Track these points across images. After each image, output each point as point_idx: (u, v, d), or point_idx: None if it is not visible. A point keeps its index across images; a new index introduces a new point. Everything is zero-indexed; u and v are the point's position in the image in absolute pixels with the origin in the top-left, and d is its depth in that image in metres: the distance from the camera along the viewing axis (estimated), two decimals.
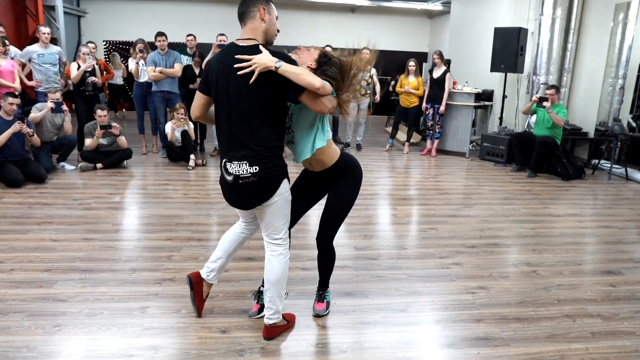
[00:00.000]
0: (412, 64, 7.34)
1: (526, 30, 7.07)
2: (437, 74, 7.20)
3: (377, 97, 7.69)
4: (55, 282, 3.04)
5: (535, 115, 6.52)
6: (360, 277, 3.25)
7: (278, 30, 2.32)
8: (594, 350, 2.48)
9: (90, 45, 6.62)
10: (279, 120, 2.23)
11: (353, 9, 13.43)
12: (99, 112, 5.81)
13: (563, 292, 3.12)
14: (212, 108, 2.35)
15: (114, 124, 5.89)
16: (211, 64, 2.27)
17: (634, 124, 6.82)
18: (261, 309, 2.64)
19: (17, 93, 5.75)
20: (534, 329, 2.66)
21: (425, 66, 12.50)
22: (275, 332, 2.48)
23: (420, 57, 12.52)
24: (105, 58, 12.43)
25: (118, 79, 9.94)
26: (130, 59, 6.93)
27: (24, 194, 4.86)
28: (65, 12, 11.82)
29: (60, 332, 2.49)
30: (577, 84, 7.41)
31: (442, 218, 4.57)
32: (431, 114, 7.40)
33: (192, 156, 6.24)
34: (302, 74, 2.09)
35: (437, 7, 11.90)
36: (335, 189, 2.50)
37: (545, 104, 6.13)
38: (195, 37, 7.20)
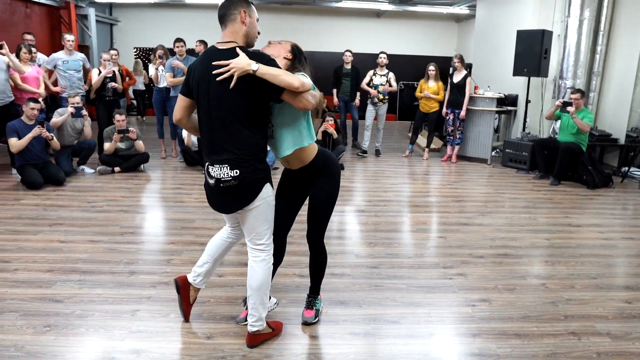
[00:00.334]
0: (431, 68, 7.19)
1: (550, 32, 6.81)
2: (457, 78, 7.03)
3: (391, 87, 7.45)
4: (54, 282, 3.09)
5: (559, 121, 6.25)
6: (357, 285, 3.16)
7: (259, 33, 2.30)
8: None
9: (112, 52, 6.80)
10: (260, 124, 2.20)
11: (379, 14, 13.35)
12: (117, 117, 5.95)
13: (572, 308, 2.94)
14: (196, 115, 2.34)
15: (131, 128, 6.02)
16: (194, 67, 2.26)
17: None
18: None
19: (41, 98, 5.98)
20: (534, 346, 2.51)
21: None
22: (259, 339, 2.43)
23: (447, 62, 12.29)
24: (144, 64, 12.79)
25: (140, 85, 10.18)
26: (150, 65, 7.06)
27: (42, 196, 5.01)
28: (97, 21, 12.28)
29: (50, 332, 2.52)
30: (607, 88, 7.07)
31: (454, 226, 4.42)
32: (451, 119, 7.22)
33: None
34: (281, 74, 2.06)
35: (464, 10, 11.67)
36: (314, 188, 2.45)
37: (569, 108, 5.87)
38: (206, 43, 7.22)
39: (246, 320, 2.61)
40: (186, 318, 2.64)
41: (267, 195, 2.27)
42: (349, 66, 8.19)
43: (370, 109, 7.46)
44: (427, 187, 5.91)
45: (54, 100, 7.19)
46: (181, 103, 2.33)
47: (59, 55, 6.53)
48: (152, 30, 12.97)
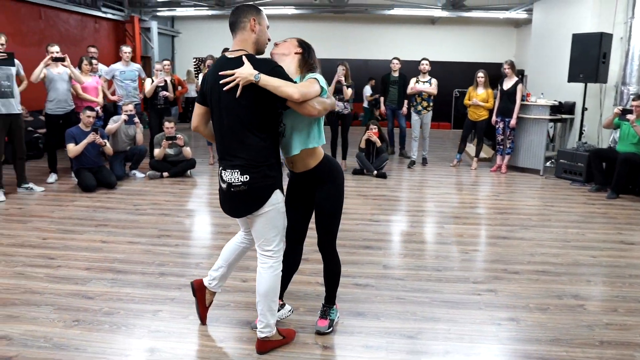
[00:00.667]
0: (480, 75, 6.95)
1: (610, 35, 6.37)
2: (507, 85, 6.73)
3: (430, 88, 7.24)
4: (90, 280, 3.27)
5: (619, 130, 5.82)
6: (379, 297, 3.09)
7: (269, 39, 2.35)
8: None
9: (164, 62, 7.14)
10: (268, 130, 2.24)
11: (433, 21, 13.12)
12: (166, 124, 6.23)
13: (610, 333, 2.70)
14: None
15: (178, 135, 6.28)
16: (207, 76, 2.33)
17: None
18: None
19: (99, 107, 6.40)
20: None
21: None
22: (267, 346, 2.43)
23: (519, 69, 11.83)
24: (195, 73, 13.38)
25: (192, 93, 10.59)
26: (200, 74, 7.35)
27: (94, 198, 5.34)
28: (160, 33, 12.99)
29: (77, 327, 2.67)
30: None
31: (492, 239, 4.23)
32: (501, 128, 6.92)
33: None
34: (281, 86, 2.09)
35: (522, 15, 11.18)
36: (317, 195, 2.45)
37: (629, 116, 5.44)
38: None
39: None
40: (202, 321, 2.70)
41: (277, 202, 2.29)
42: (396, 74, 8.10)
43: (415, 118, 7.32)
44: (471, 198, 5.69)
45: (114, 109, 7.66)
46: (197, 111, 2.41)
47: (117, 66, 6.95)
48: (210, 41, 13.50)
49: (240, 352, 2.46)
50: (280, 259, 2.39)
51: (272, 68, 2.15)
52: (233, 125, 2.20)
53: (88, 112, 5.65)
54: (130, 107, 6.23)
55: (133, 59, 11.22)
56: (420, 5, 11.45)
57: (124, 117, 6.13)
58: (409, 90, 7.38)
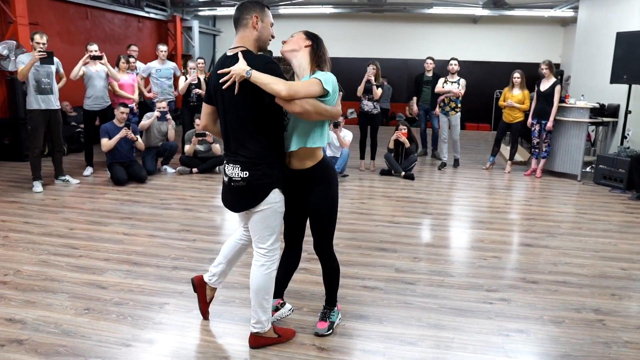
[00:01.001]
0: (516, 75, 6.68)
1: None
2: (545, 86, 6.44)
3: (458, 89, 7.01)
4: (106, 270, 3.39)
5: None
6: (385, 301, 3.04)
7: (272, 36, 2.35)
8: None
9: (198, 60, 7.30)
10: (267, 128, 2.24)
11: (475, 20, 12.75)
12: (197, 121, 6.36)
13: (629, 352, 2.53)
14: None
15: (208, 132, 6.40)
16: (212, 74, 2.36)
17: None
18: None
19: (134, 104, 6.63)
20: None
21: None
22: (260, 342, 2.45)
23: (558, 70, 11.33)
24: None
25: None
26: None
27: (124, 192, 5.54)
28: (201, 32, 13.30)
29: (86, 315, 2.77)
30: None
31: (514, 246, 4.06)
32: (537, 130, 6.64)
33: None
34: (270, 83, 2.09)
35: (569, 13, 10.67)
36: (312, 196, 2.41)
37: None
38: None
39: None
40: (204, 316, 2.73)
41: (275, 201, 2.29)
42: (430, 74, 7.94)
43: (443, 119, 7.13)
44: (499, 203, 5.48)
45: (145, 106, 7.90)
46: (205, 110, 2.44)
47: (153, 64, 7.18)
48: None
49: (237, 348, 2.48)
50: (275, 259, 2.39)
51: (266, 64, 2.15)
52: (234, 123, 2.23)
53: (122, 109, 5.86)
54: (164, 104, 6.41)
55: (173, 58, 11.60)
56: (460, 3, 11.15)
57: (156, 113, 6.33)
58: (436, 90, 7.21)
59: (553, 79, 6.41)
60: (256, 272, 2.35)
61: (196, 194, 5.57)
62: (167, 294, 3.06)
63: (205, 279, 2.67)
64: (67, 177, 5.79)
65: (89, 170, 6.32)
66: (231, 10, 12.91)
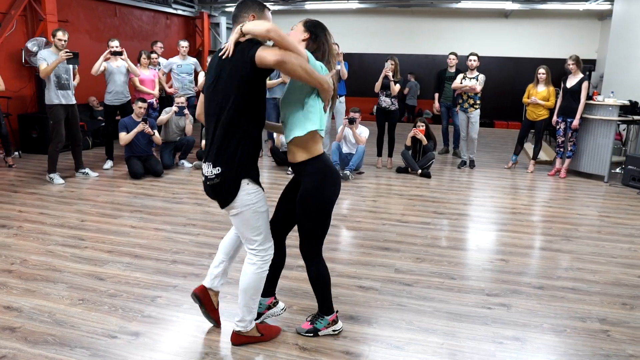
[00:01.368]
0: (541, 71, 6.40)
1: None
2: (571, 82, 6.15)
3: (474, 85, 6.74)
4: (107, 262, 3.46)
5: None
6: (378, 302, 2.96)
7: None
8: None
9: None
10: (243, 125, 2.20)
11: (506, 14, 12.34)
12: None
13: None
14: None
15: None
16: (209, 66, 2.36)
17: None
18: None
19: (154, 99, 6.75)
20: None
21: (593, 75, 10.80)
22: (241, 340, 2.42)
23: (586, 65, 10.83)
24: None
25: None
26: None
27: (139, 185, 5.64)
28: (228, 28, 13.42)
29: (80, 305, 2.83)
30: None
31: (524, 249, 3.89)
32: (562, 129, 6.35)
33: None
34: (258, 24, 2.06)
35: (606, 6, 10.16)
36: (300, 192, 2.32)
37: None
38: None
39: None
40: (218, 324, 2.63)
41: (251, 202, 2.25)
42: (453, 69, 7.74)
43: (461, 116, 6.90)
44: (517, 203, 5.27)
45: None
46: (201, 99, 2.44)
47: (175, 60, 7.29)
48: None
49: (220, 345, 2.48)
50: (267, 259, 2.36)
51: (256, 43, 2.11)
52: (212, 115, 2.22)
53: (140, 103, 5.97)
54: (182, 99, 6.49)
55: (200, 54, 11.75)
56: None
57: (174, 108, 6.41)
58: (452, 86, 7.00)
59: (580, 75, 6.11)
60: (247, 270, 2.34)
61: None
62: (160, 287, 3.09)
63: (207, 284, 2.57)
64: (87, 170, 5.95)
65: (109, 164, 6.48)
66: None
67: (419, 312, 2.85)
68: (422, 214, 4.78)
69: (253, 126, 2.24)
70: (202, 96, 2.43)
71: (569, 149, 6.37)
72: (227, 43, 2.15)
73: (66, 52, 5.23)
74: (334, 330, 2.56)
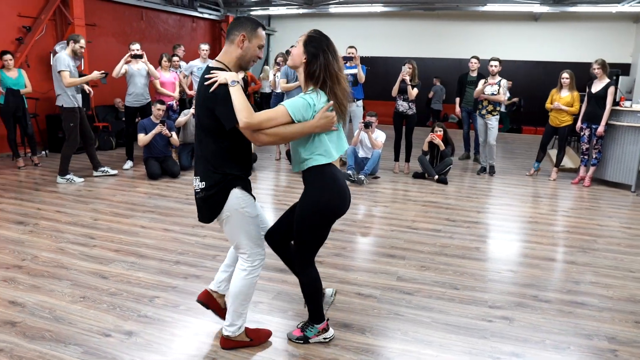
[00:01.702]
0: (565, 75, 6.18)
1: None
2: (597, 87, 5.92)
3: (498, 96, 6.53)
4: (112, 261, 3.52)
5: None
6: (375, 310, 2.91)
7: (259, 57, 2.30)
8: None
9: None
10: (225, 136, 2.18)
11: (536, 17, 12.01)
12: None
13: None
14: None
15: None
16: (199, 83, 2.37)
17: None
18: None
19: (174, 101, 6.87)
20: None
21: (622, 80, 10.36)
22: (230, 345, 2.43)
23: (620, 70, 10.42)
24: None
25: (267, 88, 10.81)
26: (270, 71, 7.54)
27: (155, 186, 5.74)
28: None
29: (80, 303, 2.88)
30: None
31: (535, 260, 3.75)
32: (587, 135, 6.12)
33: None
34: (237, 106, 2.07)
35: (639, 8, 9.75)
36: (300, 199, 2.33)
37: None
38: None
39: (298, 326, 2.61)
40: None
41: (239, 206, 2.26)
42: (474, 74, 7.58)
43: (480, 122, 6.72)
44: (534, 212, 5.10)
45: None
46: None
47: (195, 62, 7.38)
48: None
49: (210, 348, 2.47)
50: (256, 265, 2.36)
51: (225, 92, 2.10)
52: (198, 129, 2.25)
53: (158, 105, 6.08)
54: None
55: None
56: (516, 0, 10.55)
57: (192, 111, 6.50)
58: (475, 94, 6.81)
59: (606, 80, 5.88)
60: (237, 276, 2.34)
61: None
62: (160, 288, 3.12)
63: (213, 287, 2.62)
64: (106, 168, 6.09)
65: (129, 164, 6.62)
66: (284, 10, 13.08)
67: (416, 322, 2.78)
68: (433, 221, 4.69)
69: (227, 142, 2.20)
70: None
71: (594, 157, 6.13)
72: (221, 73, 2.13)
73: (102, 73, 5.46)
74: (324, 338, 2.53)
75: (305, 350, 2.47)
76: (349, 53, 6.64)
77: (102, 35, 8.70)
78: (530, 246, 4.09)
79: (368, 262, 3.65)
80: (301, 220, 2.29)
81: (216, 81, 2.11)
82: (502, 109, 10.29)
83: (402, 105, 6.57)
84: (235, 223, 2.27)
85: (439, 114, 12.42)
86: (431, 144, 6.45)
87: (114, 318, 2.73)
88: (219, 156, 2.20)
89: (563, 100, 6.20)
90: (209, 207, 2.26)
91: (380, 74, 12.04)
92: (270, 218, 4.69)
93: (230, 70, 2.22)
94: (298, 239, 2.34)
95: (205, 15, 11.60)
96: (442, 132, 6.38)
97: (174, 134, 6.21)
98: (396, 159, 6.91)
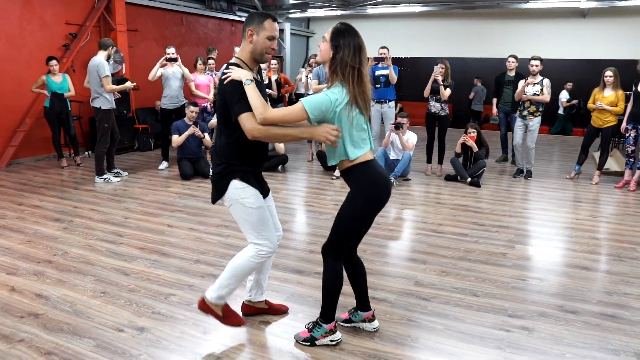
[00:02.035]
0: (609, 74, 5.85)
1: None
2: None
3: (542, 97, 6.21)
4: (136, 259, 3.63)
5: None
6: (388, 315, 2.84)
7: (273, 49, 2.37)
8: None
9: (272, 62, 7.50)
10: (236, 129, 2.30)
11: (584, 14, 11.45)
12: None
13: None
14: None
15: None
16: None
17: None
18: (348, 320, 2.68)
19: (209, 103, 7.03)
20: None
21: None
22: (205, 308, 2.53)
23: None
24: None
25: (302, 89, 10.81)
26: (303, 73, 7.57)
27: (186, 186, 5.88)
28: (294, 34, 13.72)
29: (100, 298, 2.99)
30: None
31: (567, 268, 3.56)
32: (632, 137, 5.76)
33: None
34: (253, 102, 2.17)
35: None
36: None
37: None
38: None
39: (344, 321, 2.68)
40: (279, 312, 2.84)
41: (239, 196, 2.37)
42: (512, 73, 7.31)
43: (519, 123, 6.44)
44: (570, 217, 4.84)
45: None
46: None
47: None
48: None
49: (216, 347, 2.50)
50: (261, 255, 2.44)
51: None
52: (218, 123, 2.43)
53: (192, 107, 6.24)
54: None
55: None
56: None
57: None
58: (516, 97, 6.51)
59: None
60: (242, 253, 2.48)
61: None
62: (177, 286, 3.18)
63: (246, 298, 2.78)
64: (119, 170, 6.29)
65: (164, 165, 6.83)
66: (321, 12, 13.11)
67: (428, 329, 2.70)
68: (460, 225, 4.54)
69: (236, 136, 2.33)
70: None
71: None
72: (237, 70, 2.24)
73: (133, 84, 5.75)
74: (331, 341, 2.50)
75: (310, 353, 2.45)
76: (381, 54, 6.54)
77: (143, 40, 9.03)
78: (562, 253, 3.88)
79: (387, 266, 3.58)
80: (339, 215, 2.35)
81: (229, 76, 2.23)
82: (561, 111, 9.75)
83: (435, 106, 6.43)
84: (237, 213, 2.44)
85: (479, 115, 12.06)
86: (464, 146, 6.28)
87: (129, 314, 2.81)
88: (227, 148, 2.36)
89: (606, 99, 5.87)
90: (216, 187, 2.44)
91: (420, 75, 11.85)
92: (299, 219, 4.78)
93: (247, 66, 2.34)
94: (332, 230, 2.38)
95: (244, 19, 11.79)
96: (475, 134, 6.19)
97: (206, 135, 6.35)
98: (428, 160, 6.76)
